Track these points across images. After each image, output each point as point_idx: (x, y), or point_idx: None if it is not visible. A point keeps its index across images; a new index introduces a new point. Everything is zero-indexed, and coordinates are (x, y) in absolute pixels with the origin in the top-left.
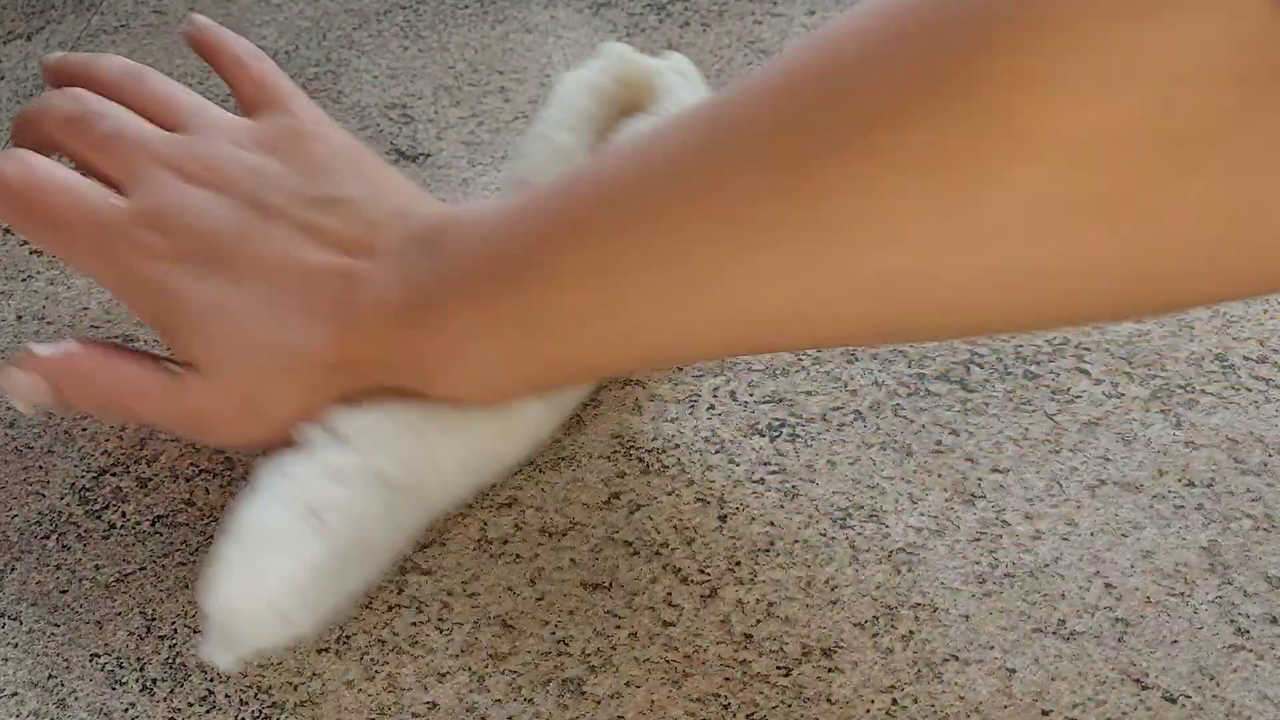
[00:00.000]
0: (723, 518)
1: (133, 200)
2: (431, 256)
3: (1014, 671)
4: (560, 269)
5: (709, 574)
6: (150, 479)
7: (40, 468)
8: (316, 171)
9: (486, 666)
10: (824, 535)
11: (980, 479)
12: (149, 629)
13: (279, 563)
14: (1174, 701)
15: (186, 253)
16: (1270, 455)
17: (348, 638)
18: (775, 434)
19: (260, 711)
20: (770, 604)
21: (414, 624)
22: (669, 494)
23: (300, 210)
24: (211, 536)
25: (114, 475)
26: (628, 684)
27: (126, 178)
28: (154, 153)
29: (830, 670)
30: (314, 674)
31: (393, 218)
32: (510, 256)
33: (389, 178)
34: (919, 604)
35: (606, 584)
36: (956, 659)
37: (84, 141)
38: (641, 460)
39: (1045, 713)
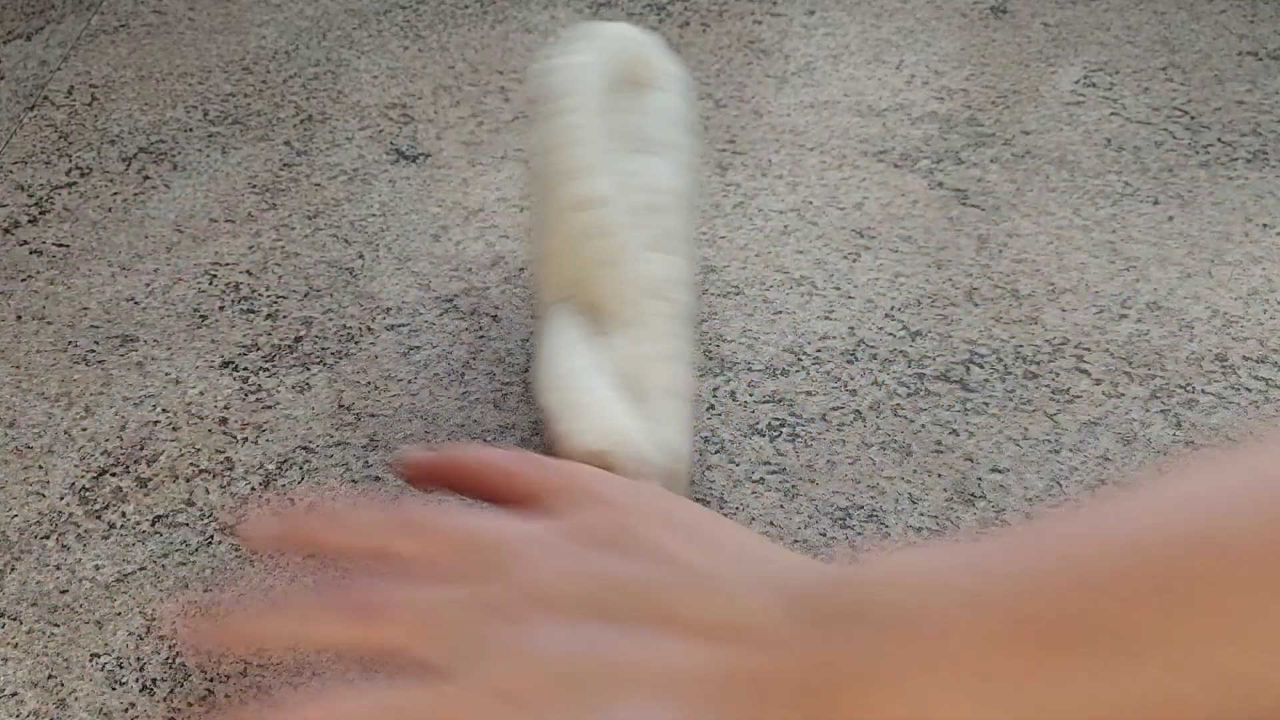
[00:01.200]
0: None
1: (463, 681)
2: (857, 626)
3: None
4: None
5: None
6: (150, 479)
7: (40, 468)
8: (658, 557)
9: None
10: (824, 535)
11: (980, 479)
12: (149, 629)
13: None
14: None
15: (547, 712)
16: None
17: None
18: (775, 434)
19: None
20: None
21: None
22: None
23: (654, 608)
24: (212, 537)
25: (114, 475)
26: None
27: (445, 658)
28: (470, 614)
29: None
30: (314, 674)
31: (769, 590)
32: (1036, 615)
33: (742, 540)
34: None
35: None
36: None
37: (391, 629)
38: None
39: None
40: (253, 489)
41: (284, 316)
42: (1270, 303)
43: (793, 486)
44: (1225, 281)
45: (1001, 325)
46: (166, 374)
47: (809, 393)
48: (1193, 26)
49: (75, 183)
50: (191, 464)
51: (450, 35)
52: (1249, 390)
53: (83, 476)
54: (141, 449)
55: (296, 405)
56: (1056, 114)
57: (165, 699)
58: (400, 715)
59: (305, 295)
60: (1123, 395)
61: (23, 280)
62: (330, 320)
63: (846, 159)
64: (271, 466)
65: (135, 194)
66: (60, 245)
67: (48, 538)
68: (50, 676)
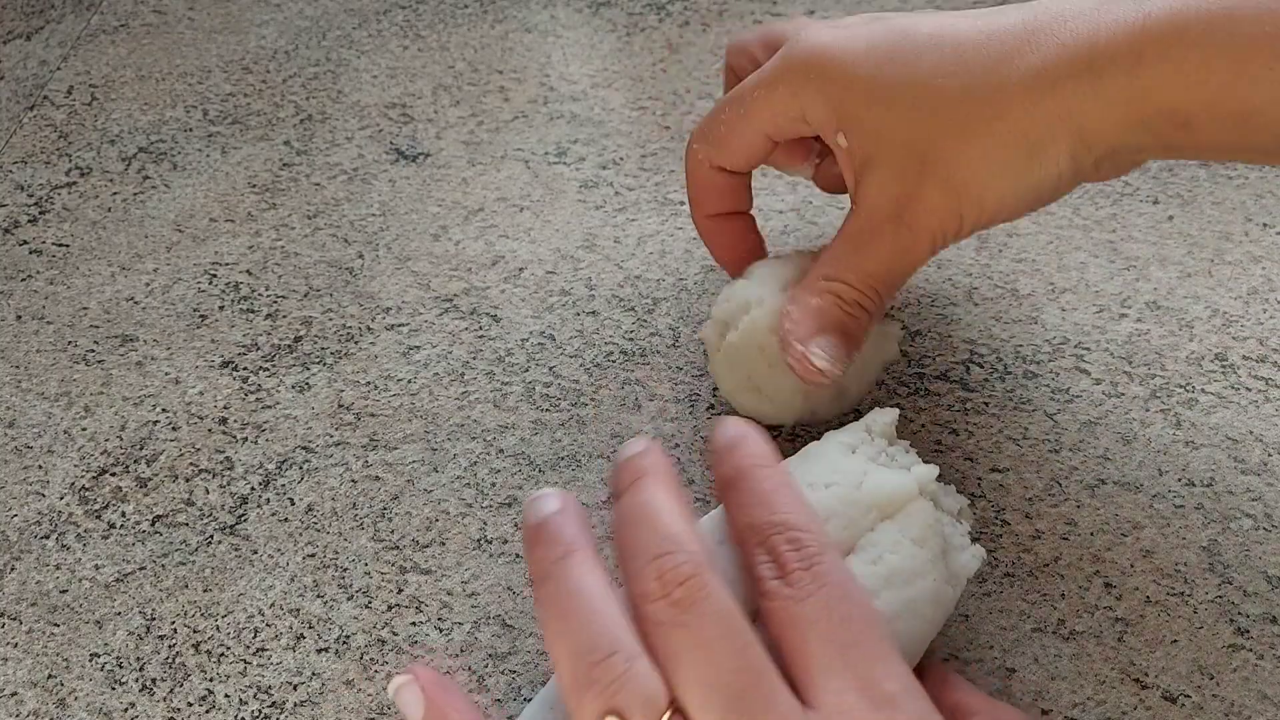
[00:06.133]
0: None
1: None
2: None
3: (1014, 671)
4: None
5: None
6: (150, 479)
7: (40, 468)
8: None
9: (486, 666)
10: None
11: (980, 479)
12: (149, 629)
13: None
14: (1174, 701)
15: None
16: (1270, 455)
17: (347, 638)
18: (775, 433)
19: (260, 711)
20: None
21: (414, 624)
22: None
23: None
24: (212, 537)
25: (114, 475)
26: None
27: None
28: None
29: None
30: (314, 674)
31: None
32: None
33: None
34: None
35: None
36: (956, 659)
37: None
38: None
39: (1045, 712)
40: (252, 489)
41: (284, 316)
42: (1270, 302)
43: None
44: (1225, 281)
45: (1001, 325)
46: (166, 374)
47: None
48: None
49: (75, 183)
50: (191, 464)
51: (450, 35)
52: (1249, 390)
53: (82, 476)
54: (141, 449)
55: (296, 405)
56: None
57: (165, 699)
58: None
59: (305, 295)
60: (1122, 395)
61: (23, 280)
62: (330, 320)
63: None
64: (271, 466)
65: (135, 194)
66: (60, 245)
67: (47, 538)
68: (50, 676)
